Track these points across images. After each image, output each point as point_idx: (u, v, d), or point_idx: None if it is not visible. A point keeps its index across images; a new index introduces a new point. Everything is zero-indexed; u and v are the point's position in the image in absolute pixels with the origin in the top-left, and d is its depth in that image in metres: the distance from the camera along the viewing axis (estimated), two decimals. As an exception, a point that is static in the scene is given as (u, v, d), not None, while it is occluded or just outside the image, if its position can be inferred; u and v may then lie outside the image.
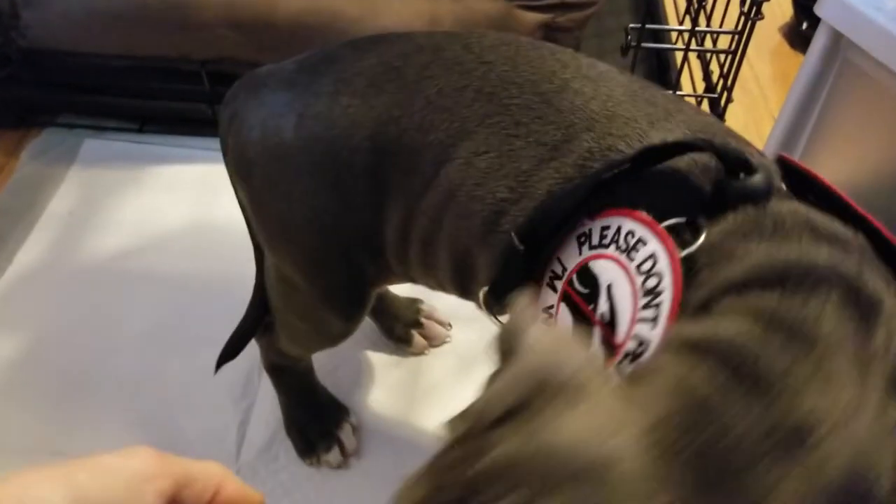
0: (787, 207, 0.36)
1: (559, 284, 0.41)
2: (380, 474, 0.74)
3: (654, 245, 0.37)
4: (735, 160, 0.37)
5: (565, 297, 0.41)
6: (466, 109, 0.47)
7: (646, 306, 0.36)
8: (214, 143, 1.09)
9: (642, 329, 0.36)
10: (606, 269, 0.39)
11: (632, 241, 0.38)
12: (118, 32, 1.04)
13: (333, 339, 0.67)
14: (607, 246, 0.39)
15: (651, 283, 0.36)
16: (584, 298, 0.40)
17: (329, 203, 0.52)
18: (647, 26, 0.96)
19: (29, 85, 1.10)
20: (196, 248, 0.95)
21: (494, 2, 1.00)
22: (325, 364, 0.83)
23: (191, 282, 0.91)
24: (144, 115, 1.12)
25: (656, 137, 0.42)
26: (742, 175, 0.37)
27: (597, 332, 0.39)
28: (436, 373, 0.83)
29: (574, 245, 0.41)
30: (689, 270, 0.35)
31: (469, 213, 0.47)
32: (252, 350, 0.84)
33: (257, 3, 1.00)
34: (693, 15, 1.12)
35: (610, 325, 0.38)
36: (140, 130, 1.12)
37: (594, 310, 0.39)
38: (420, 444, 0.77)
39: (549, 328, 0.31)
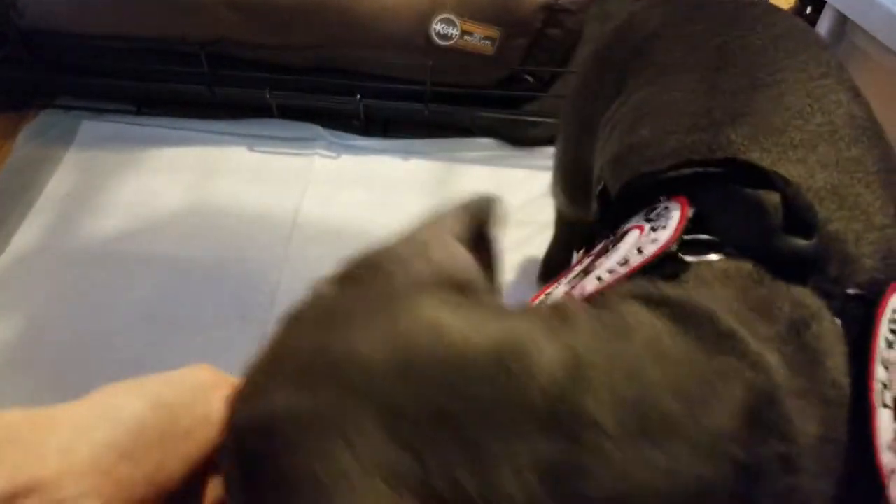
0: (791, 293, 0.34)
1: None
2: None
3: (674, 213, 0.37)
4: (801, 221, 0.35)
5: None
6: (694, 54, 0.49)
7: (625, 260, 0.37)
8: (213, 125, 1.09)
9: (605, 270, 0.37)
10: (629, 234, 0.39)
11: (661, 213, 0.38)
12: (117, 13, 1.03)
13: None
14: (649, 221, 0.39)
15: (650, 237, 0.37)
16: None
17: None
18: (651, 9, 0.94)
19: (27, 66, 1.09)
20: (193, 231, 0.95)
21: (496, -17, 0.98)
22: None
23: (188, 264, 0.91)
24: (142, 97, 1.12)
25: (782, 169, 0.39)
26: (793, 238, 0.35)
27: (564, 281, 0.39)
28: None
29: (639, 215, 0.41)
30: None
31: (619, 135, 0.49)
32: (251, 330, 0.84)
33: (256, -18, 0.99)
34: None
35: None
36: (138, 112, 1.11)
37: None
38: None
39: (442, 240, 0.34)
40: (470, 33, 0.99)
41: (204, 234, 0.94)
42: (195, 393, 0.31)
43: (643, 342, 0.29)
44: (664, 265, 0.35)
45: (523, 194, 1.00)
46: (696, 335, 0.30)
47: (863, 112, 0.44)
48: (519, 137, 1.08)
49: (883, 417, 0.31)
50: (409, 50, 1.01)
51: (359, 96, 1.04)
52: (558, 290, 0.42)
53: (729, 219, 0.37)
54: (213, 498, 0.32)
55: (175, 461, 0.29)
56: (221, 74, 1.06)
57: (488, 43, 1.00)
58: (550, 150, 1.05)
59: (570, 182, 0.70)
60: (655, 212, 0.39)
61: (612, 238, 0.42)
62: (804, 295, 0.34)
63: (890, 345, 0.33)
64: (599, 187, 0.49)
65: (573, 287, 0.39)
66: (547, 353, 0.26)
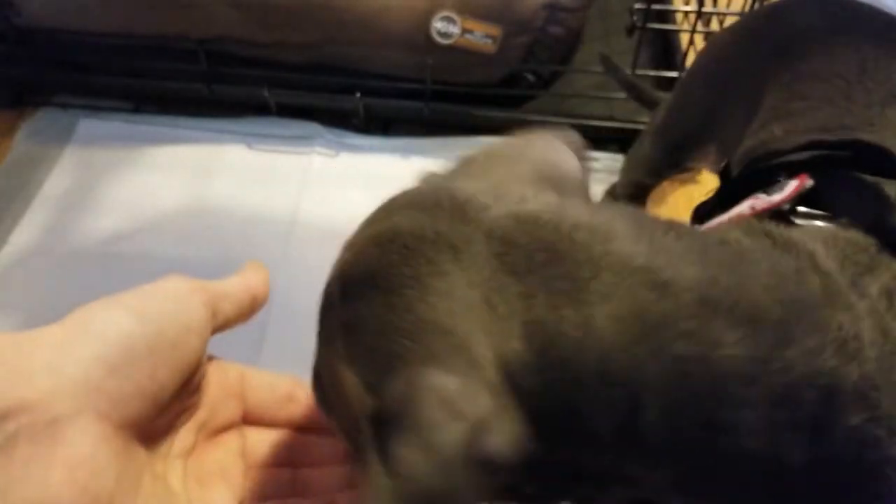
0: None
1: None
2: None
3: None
4: None
5: None
6: (834, 66, 0.49)
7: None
8: (211, 123, 1.09)
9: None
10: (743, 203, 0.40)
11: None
12: (115, 10, 1.02)
13: None
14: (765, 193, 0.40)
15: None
16: None
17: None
18: (653, 6, 0.94)
19: (24, 64, 1.08)
20: (191, 229, 0.94)
21: (498, -19, 0.98)
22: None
23: (185, 262, 0.90)
24: (141, 94, 1.11)
25: None
26: None
27: None
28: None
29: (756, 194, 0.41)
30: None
31: (752, 131, 0.51)
32: (250, 333, 0.83)
33: (255, -21, 0.98)
34: (700, -4, 1.10)
35: None
36: (136, 110, 1.10)
37: None
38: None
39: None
40: (471, 31, 0.98)
41: (202, 233, 0.94)
42: (177, 303, 0.31)
43: (736, 250, 0.30)
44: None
45: (524, 194, 1.00)
46: (795, 263, 0.31)
47: None
48: (520, 136, 1.07)
49: None
50: (409, 48, 1.00)
51: (358, 95, 1.03)
52: None
53: (845, 196, 0.37)
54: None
55: (165, 372, 0.29)
56: (220, 72, 1.05)
57: (489, 41, 0.99)
58: (551, 149, 1.05)
59: (672, 142, 0.74)
60: (773, 188, 0.39)
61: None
62: None
63: None
64: (723, 163, 0.50)
65: None
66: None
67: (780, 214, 0.36)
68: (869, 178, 0.37)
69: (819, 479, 0.29)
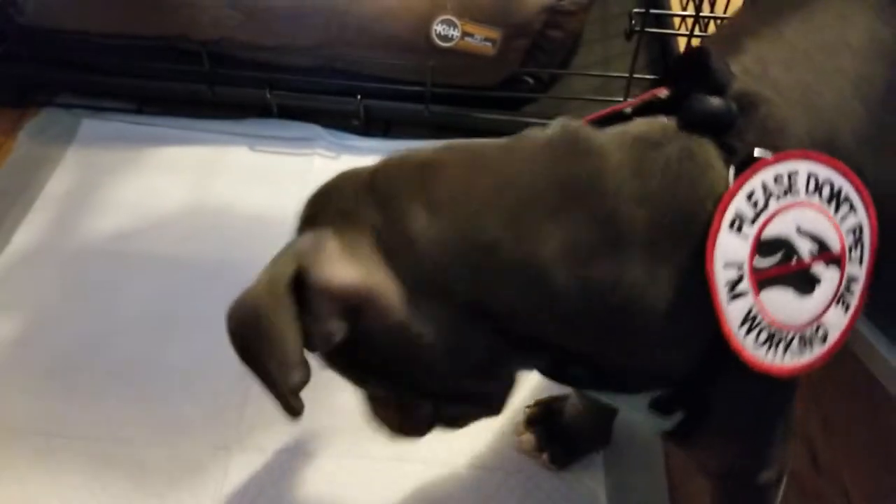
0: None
1: None
2: (383, 459, 0.75)
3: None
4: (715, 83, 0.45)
5: None
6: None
7: None
8: (214, 124, 1.10)
9: None
10: None
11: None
12: (118, 10, 1.03)
13: None
14: None
15: None
16: None
17: None
18: (651, 11, 0.95)
19: (27, 63, 1.09)
20: (193, 230, 0.95)
21: (498, -16, 0.99)
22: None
23: (188, 263, 0.91)
24: (143, 95, 1.12)
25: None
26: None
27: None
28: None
29: None
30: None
31: None
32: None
33: (257, -18, 0.99)
34: (697, 0, 1.11)
35: None
36: (139, 111, 1.11)
37: None
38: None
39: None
40: (471, 34, 0.99)
41: (204, 233, 0.95)
42: None
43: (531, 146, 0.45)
44: (612, 120, 0.47)
45: (523, 195, 1.01)
46: (568, 149, 0.44)
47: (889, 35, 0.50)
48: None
49: (727, 235, 0.41)
50: (409, 51, 1.01)
51: (359, 97, 1.04)
52: None
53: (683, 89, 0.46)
54: None
55: None
56: (222, 74, 1.06)
57: (489, 44, 1.00)
58: (550, 152, 1.06)
59: None
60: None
61: None
62: (699, 143, 0.43)
63: (768, 193, 0.42)
64: None
65: None
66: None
67: (622, 116, 0.47)
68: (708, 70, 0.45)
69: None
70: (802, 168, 0.43)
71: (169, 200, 0.99)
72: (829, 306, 0.44)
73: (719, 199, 0.41)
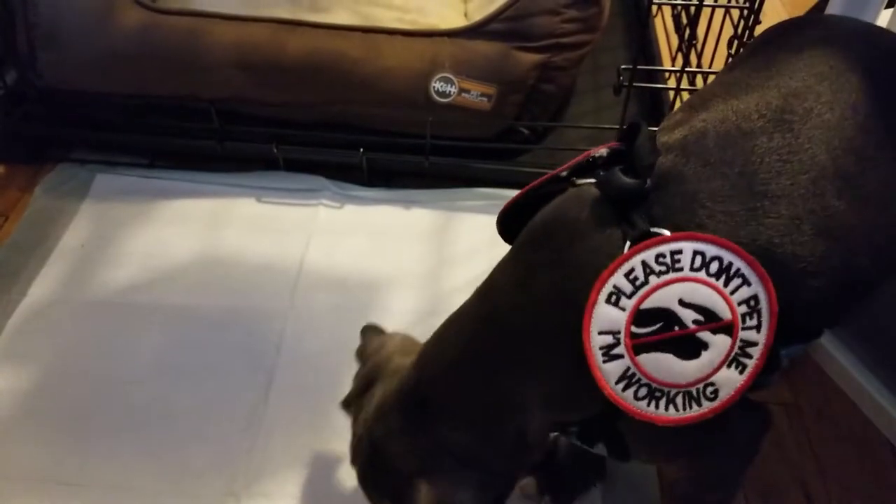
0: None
1: None
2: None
3: None
4: (640, 166, 0.50)
5: None
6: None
7: None
8: (222, 178, 1.14)
9: None
10: None
11: None
12: (131, 73, 1.08)
13: None
14: None
15: None
16: None
17: None
18: (639, 67, 0.99)
19: (44, 121, 1.14)
20: (203, 280, 0.99)
21: (492, 44, 1.04)
22: (328, 396, 0.86)
23: (198, 313, 0.94)
24: (155, 151, 1.16)
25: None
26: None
27: None
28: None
29: None
30: None
31: None
32: (256, 380, 0.87)
33: (265, 45, 1.04)
34: (684, 53, 1.16)
35: None
36: (151, 166, 1.15)
37: None
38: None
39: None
40: (467, 91, 1.04)
41: (213, 284, 0.98)
42: None
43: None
44: (551, 184, 0.55)
45: (520, 242, 1.04)
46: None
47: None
48: (515, 187, 1.12)
49: (603, 307, 0.48)
50: (409, 106, 1.06)
51: (361, 150, 1.09)
52: None
53: (612, 159, 0.52)
54: None
55: None
56: (231, 130, 1.11)
57: (485, 99, 1.05)
58: (545, 200, 1.09)
59: None
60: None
61: None
62: (601, 216, 0.50)
63: (649, 270, 0.47)
64: None
65: None
66: None
67: (559, 179, 0.55)
68: (638, 144, 0.50)
69: None
70: (687, 247, 0.47)
71: (179, 251, 1.02)
72: (718, 368, 0.48)
73: (596, 279, 0.48)
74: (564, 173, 0.55)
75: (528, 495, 0.76)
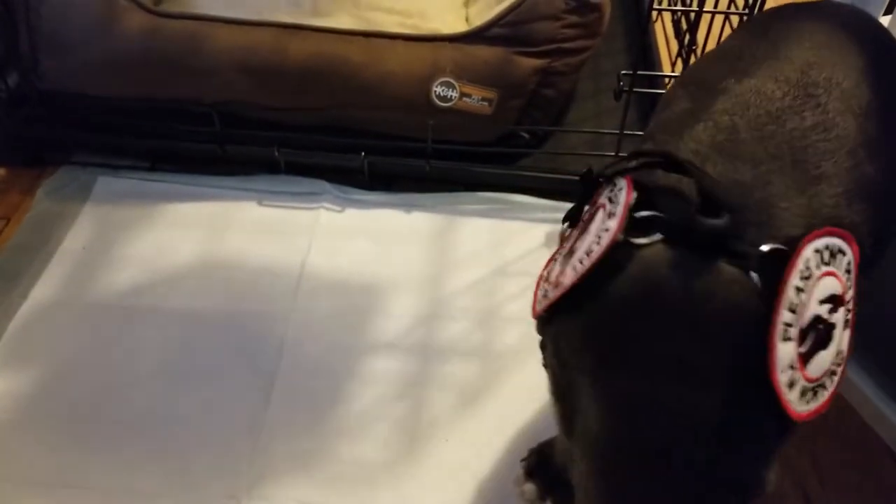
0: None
1: None
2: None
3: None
4: (712, 203, 0.46)
5: None
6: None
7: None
8: (224, 181, 1.14)
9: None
10: (597, 213, 0.53)
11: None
12: (133, 76, 1.09)
13: None
14: (609, 200, 0.54)
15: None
16: None
17: None
18: (640, 72, 1.00)
19: (45, 124, 1.14)
20: (205, 284, 0.99)
21: (493, 48, 1.04)
22: (329, 399, 0.86)
23: (199, 316, 0.94)
24: (157, 154, 1.16)
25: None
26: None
27: None
28: (436, 407, 0.85)
29: (605, 191, 0.53)
30: None
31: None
32: (260, 383, 0.87)
33: (267, 49, 1.05)
34: (685, 59, 1.17)
35: None
36: (152, 169, 1.15)
37: None
38: (421, 476, 0.80)
39: None
40: (468, 95, 1.05)
41: (215, 287, 0.98)
42: None
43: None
44: (615, 253, 0.47)
45: (520, 246, 1.05)
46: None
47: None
48: (516, 191, 1.12)
49: (782, 348, 0.44)
50: (411, 111, 1.06)
51: (363, 153, 1.09)
52: (555, 268, 0.54)
53: (663, 200, 0.47)
54: None
55: None
56: (232, 133, 1.11)
57: (486, 104, 1.06)
58: (545, 204, 1.10)
59: None
60: (613, 190, 0.50)
61: (588, 209, 0.54)
62: (700, 268, 0.44)
63: (799, 291, 0.44)
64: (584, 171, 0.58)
65: (562, 270, 0.52)
66: None
67: (619, 244, 0.47)
68: (673, 176, 0.47)
69: None
70: (806, 252, 0.45)
71: (181, 255, 1.02)
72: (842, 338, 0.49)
73: (763, 320, 0.44)
74: (620, 237, 0.47)
75: (528, 500, 0.76)
